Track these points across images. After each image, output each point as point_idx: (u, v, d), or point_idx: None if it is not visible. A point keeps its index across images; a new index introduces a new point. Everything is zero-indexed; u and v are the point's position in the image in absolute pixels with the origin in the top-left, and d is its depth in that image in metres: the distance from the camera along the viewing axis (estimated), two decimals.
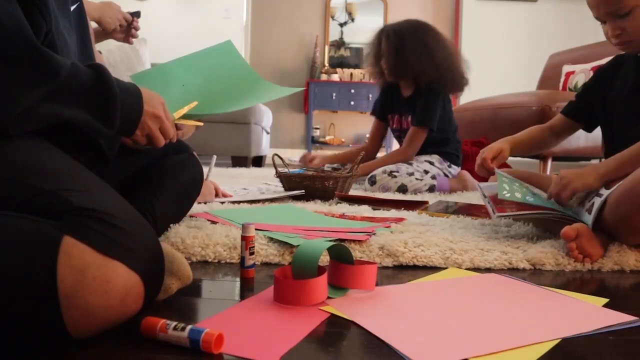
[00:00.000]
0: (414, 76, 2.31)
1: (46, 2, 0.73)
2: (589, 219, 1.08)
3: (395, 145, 5.57)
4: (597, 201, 1.08)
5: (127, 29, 1.64)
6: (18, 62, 0.65)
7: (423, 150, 2.34)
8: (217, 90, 1.02)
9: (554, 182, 1.16)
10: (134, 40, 1.69)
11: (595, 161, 2.98)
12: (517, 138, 1.43)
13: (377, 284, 0.82)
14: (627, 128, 1.22)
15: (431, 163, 2.31)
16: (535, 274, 0.99)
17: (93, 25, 1.58)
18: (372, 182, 2.19)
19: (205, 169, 1.77)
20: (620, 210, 1.02)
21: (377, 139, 2.62)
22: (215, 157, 1.88)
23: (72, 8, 0.85)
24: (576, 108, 1.41)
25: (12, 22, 0.66)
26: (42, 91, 0.67)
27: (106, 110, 0.74)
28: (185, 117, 0.95)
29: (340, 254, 0.81)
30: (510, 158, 1.40)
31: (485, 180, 1.79)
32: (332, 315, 0.71)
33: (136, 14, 1.67)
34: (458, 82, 2.35)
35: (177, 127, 0.97)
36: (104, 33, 1.60)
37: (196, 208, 1.40)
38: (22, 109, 0.66)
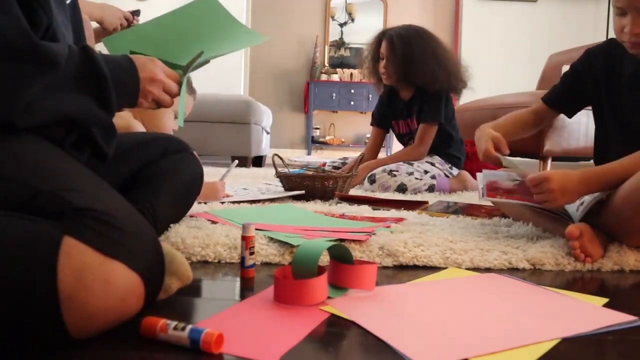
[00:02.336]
0: (423, 84, 2.30)
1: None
2: (577, 216, 1.08)
3: (395, 147, 5.57)
4: (587, 200, 1.08)
5: (127, 28, 1.65)
6: (17, 57, 0.66)
7: None
8: (192, 45, 1.00)
9: (537, 185, 1.09)
10: None
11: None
12: (499, 122, 1.39)
13: (377, 284, 0.82)
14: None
15: (432, 164, 2.31)
16: (535, 274, 0.99)
17: (94, 25, 1.59)
18: (372, 180, 2.19)
19: (222, 171, 1.77)
20: (622, 214, 1.02)
21: (377, 148, 2.60)
22: (236, 162, 1.89)
23: (67, 2, 0.85)
24: (561, 95, 1.39)
25: (9, 20, 0.66)
26: (43, 81, 0.68)
27: (100, 93, 0.74)
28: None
29: (340, 254, 0.81)
30: (508, 158, 1.39)
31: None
32: (332, 315, 0.71)
33: (136, 13, 1.68)
34: (459, 86, 2.37)
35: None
36: (105, 32, 1.60)
37: (196, 208, 1.40)
38: (27, 101, 0.66)
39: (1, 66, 0.65)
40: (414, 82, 2.33)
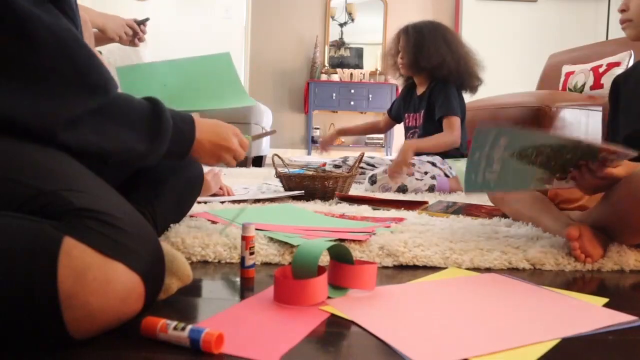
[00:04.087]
0: (432, 67, 2.35)
1: (71, 5, 0.74)
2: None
3: (395, 146, 5.57)
4: None
5: (132, 35, 1.65)
6: (71, 77, 0.69)
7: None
8: (195, 92, 1.07)
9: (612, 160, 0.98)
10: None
11: None
12: None
13: (377, 284, 0.82)
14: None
15: (433, 164, 2.32)
16: (535, 274, 0.99)
17: (94, 30, 1.58)
18: (373, 181, 2.19)
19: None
20: (619, 209, 1.02)
21: (374, 126, 2.86)
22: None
23: None
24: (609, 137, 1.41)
25: (68, 35, 0.69)
26: (91, 104, 0.70)
27: (156, 133, 0.78)
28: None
29: (340, 254, 0.81)
30: None
31: None
32: (332, 315, 0.71)
33: (144, 22, 1.68)
34: (472, 81, 2.41)
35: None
36: (106, 39, 1.61)
37: (196, 208, 1.40)
38: (71, 116, 0.68)
39: (55, 83, 0.68)
40: (424, 67, 2.37)
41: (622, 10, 1.23)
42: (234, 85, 1.07)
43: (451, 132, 2.32)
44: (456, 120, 2.33)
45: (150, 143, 0.77)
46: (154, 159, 0.80)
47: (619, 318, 0.72)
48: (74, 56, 0.69)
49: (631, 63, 1.92)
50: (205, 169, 1.73)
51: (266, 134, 1.19)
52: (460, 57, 2.36)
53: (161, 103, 0.80)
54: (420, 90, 2.50)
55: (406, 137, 2.57)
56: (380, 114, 5.81)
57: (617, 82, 1.36)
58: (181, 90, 1.06)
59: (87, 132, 0.70)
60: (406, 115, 2.58)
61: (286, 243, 1.05)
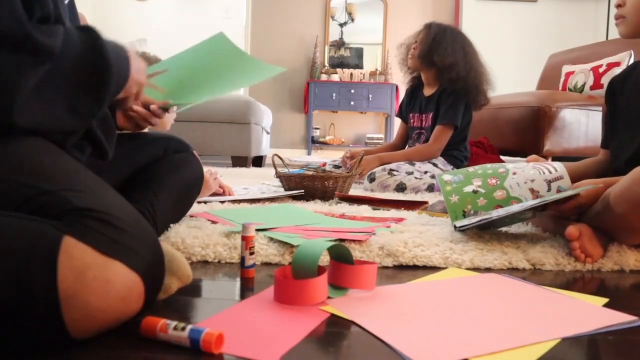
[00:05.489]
0: (443, 66, 2.33)
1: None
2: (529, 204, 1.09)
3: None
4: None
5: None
6: (13, 48, 0.64)
7: None
8: (204, 77, 1.02)
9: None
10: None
11: None
12: (575, 169, 1.37)
13: (377, 284, 0.82)
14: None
15: (435, 165, 2.32)
16: (535, 274, 0.99)
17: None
18: (372, 179, 2.20)
19: (221, 170, 1.74)
20: (618, 209, 1.02)
21: (404, 139, 2.69)
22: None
23: (66, 2, 0.85)
24: (607, 137, 1.42)
25: (2, 7, 0.64)
26: (39, 72, 0.66)
27: (98, 88, 0.73)
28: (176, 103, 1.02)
29: (340, 254, 0.81)
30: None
31: None
32: (332, 315, 0.71)
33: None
34: (478, 96, 2.39)
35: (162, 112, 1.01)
36: None
37: (196, 208, 1.40)
38: (25, 93, 0.65)
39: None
40: (435, 62, 2.35)
41: (618, 5, 1.23)
42: (246, 60, 1.02)
43: (434, 144, 2.34)
44: (448, 132, 2.33)
45: (96, 102, 0.74)
46: (98, 111, 0.76)
47: (619, 318, 0.72)
48: (5, 34, 0.64)
49: (631, 62, 1.93)
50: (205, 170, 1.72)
51: (184, 106, 1.06)
52: (472, 68, 2.35)
53: (99, 40, 0.73)
54: (428, 91, 2.48)
55: (411, 138, 2.56)
56: (380, 113, 5.82)
57: (613, 83, 1.36)
58: (190, 82, 1.02)
59: (38, 106, 0.67)
60: (411, 115, 2.56)
61: (286, 243, 1.05)
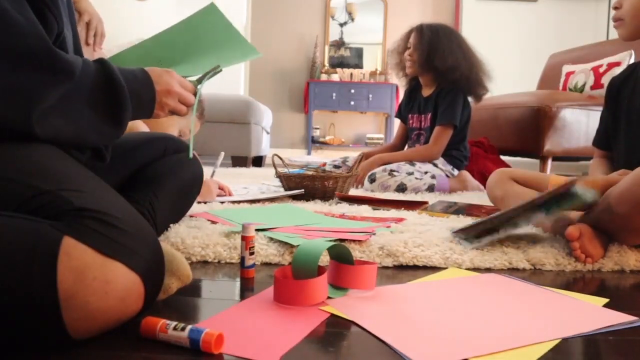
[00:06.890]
0: (445, 69, 2.32)
1: (56, 1, 0.74)
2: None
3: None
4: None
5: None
6: (36, 65, 0.67)
7: None
8: (198, 57, 1.02)
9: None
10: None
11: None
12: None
13: (377, 284, 0.82)
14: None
15: (435, 165, 2.32)
16: (535, 274, 0.99)
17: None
18: (372, 179, 2.19)
19: (209, 169, 1.76)
20: (619, 210, 1.02)
21: (403, 140, 2.66)
22: (222, 154, 1.87)
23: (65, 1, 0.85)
24: (603, 137, 1.41)
25: (28, 25, 0.67)
26: (59, 91, 0.68)
27: (115, 106, 0.76)
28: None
29: (340, 254, 0.81)
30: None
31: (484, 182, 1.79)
32: (332, 315, 0.71)
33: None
34: (479, 89, 2.39)
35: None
36: None
37: (196, 208, 1.40)
38: (43, 108, 0.67)
39: (20, 73, 0.66)
40: (436, 67, 2.34)
41: (615, 8, 1.24)
42: (233, 36, 1.00)
43: (434, 145, 2.32)
44: (448, 132, 2.32)
45: (112, 124, 0.76)
46: (119, 135, 0.79)
47: (619, 318, 0.72)
48: (29, 51, 0.66)
49: (631, 62, 1.92)
50: (209, 176, 1.73)
51: (211, 72, 1.03)
52: (472, 65, 2.35)
53: (111, 69, 0.76)
54: (426, 91, 2.47)
55: (410, 139, 2.55)
56: (380, 113, 5.81)
57: (613, 84, 1.35)
58: (179, 60, 1.01)
59: (58, 121, 0.70)
60: (410, 116, 2.55)
61: (286, 243, 1.05)
